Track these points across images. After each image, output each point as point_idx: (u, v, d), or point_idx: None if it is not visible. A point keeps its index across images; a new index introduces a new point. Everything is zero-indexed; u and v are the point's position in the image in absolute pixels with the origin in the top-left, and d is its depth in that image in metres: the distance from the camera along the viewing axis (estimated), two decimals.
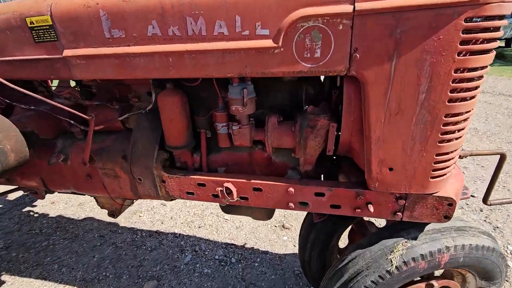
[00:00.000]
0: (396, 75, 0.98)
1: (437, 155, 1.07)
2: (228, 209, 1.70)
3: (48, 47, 1.29)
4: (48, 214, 3.24)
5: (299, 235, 1.99)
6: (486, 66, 0.98)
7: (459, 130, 1.06)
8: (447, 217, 1.19)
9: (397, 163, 1.12)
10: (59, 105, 1.39)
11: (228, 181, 1.37)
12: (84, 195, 1.92)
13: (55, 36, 1.25)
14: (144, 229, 2.93)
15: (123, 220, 3.06)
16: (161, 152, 1.48)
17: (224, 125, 1.32)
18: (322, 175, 1.52)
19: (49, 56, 1.30)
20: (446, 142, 1.06)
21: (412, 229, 1.30)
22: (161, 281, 2.30)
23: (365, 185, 1.24)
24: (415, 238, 1.27)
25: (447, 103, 0.98)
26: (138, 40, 1.17)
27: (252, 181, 1.35)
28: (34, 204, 3.45)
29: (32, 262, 2.56)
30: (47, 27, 1.24)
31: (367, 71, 1.00)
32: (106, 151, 1.65)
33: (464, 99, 1.00)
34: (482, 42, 0.92)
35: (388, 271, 1.24)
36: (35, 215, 3.25)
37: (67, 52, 1.26)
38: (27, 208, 3.36)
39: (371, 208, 1.22)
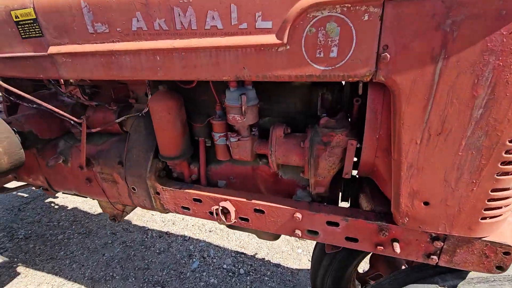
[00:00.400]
0: (442, 83, 0.72)
1: (493, 190, 0.80)
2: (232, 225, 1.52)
3: (34, 43, 1.17)
4: (67, 207, 3.31)
5: (312, 254, 1.77)
6: None
7: None
8: (501, 268, 0.91)
9: (436, 197, 0.86)
10: (48, 106, 1.29)
11: (226, 199, 1.18)
12: (86, 197, 1.85)
13: (40, 32, 1.13)
14: (155, 229, 2.87)
15: (135, 218, 3.02)
16: (156, 161, 1.33)
17: (222, 135, 1.13)
18: (340, 194, 1.29)
19: (36, 54, 1.18)
20: (507, 175, 0.78)
21: (449, 275, 1.04)
22: (166, 286, 2.20)
23: (391, 216, 0.99)
24: (454, 287, 1.00)
25: None
26: (123, 36, 1.01)
27: (253, 201, 1.15)
28: (56, 194, 3.54)
29: (46, 255, 2.60)
30: (31, 21, 1.12)
31: (401, 77, 0.75)
32: (104, 155, 1.54)
33: None
34: None
35: None
36: (56, 206, 3.34)
37: (52, 49, 1.14)
38: (50, 199, 3.47)
39: (397, 247, 0.97)
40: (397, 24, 0.70)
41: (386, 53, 0.73)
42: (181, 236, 2.75)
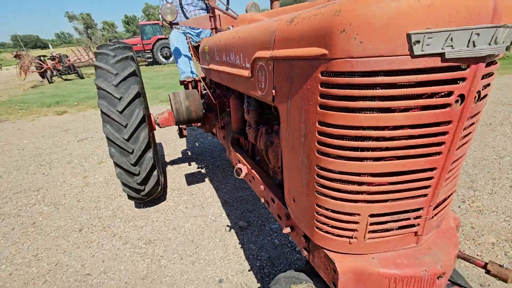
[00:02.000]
0: (291, 113, 1.09)
1: (318, 206, 1.02)
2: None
3: (206, 63, 2.43)
4: None
5: None
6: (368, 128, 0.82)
7: (346, 191, 0.94)
8: (335, 286, 1.04)
9: (297, 197, 1.16)
10: (209, 92, 2.57)
11: (244, 164, 1.92)
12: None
13: (209, 57, 2.36)
14: None
15: None
16: (234, 133, 2.27)
17: None
18: None
19: (207, 67, 2.45)
20: (325, 197, 0.99)
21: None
22: (250, 226, 3.20)
23: None
24: None
25: (317, 154, 0.96)
26: (222, 63, 1.98)
27: (252, 170, 1.81)
28: None
29: (217, 178, 4.40)
30: (207, 52, 2.37)
31: (279, 105, 1.17)
32: (228, 124, 2.69)
33: (340, 157, 0.91)
34: (349, 99, 0.82)
35: None
36: None
37: (210, 66, 2.34)
38: None
39: (285, 229, 1.31)
40: (277, 74, 1.15)
41: (273, 90, 1.19)
42: None
